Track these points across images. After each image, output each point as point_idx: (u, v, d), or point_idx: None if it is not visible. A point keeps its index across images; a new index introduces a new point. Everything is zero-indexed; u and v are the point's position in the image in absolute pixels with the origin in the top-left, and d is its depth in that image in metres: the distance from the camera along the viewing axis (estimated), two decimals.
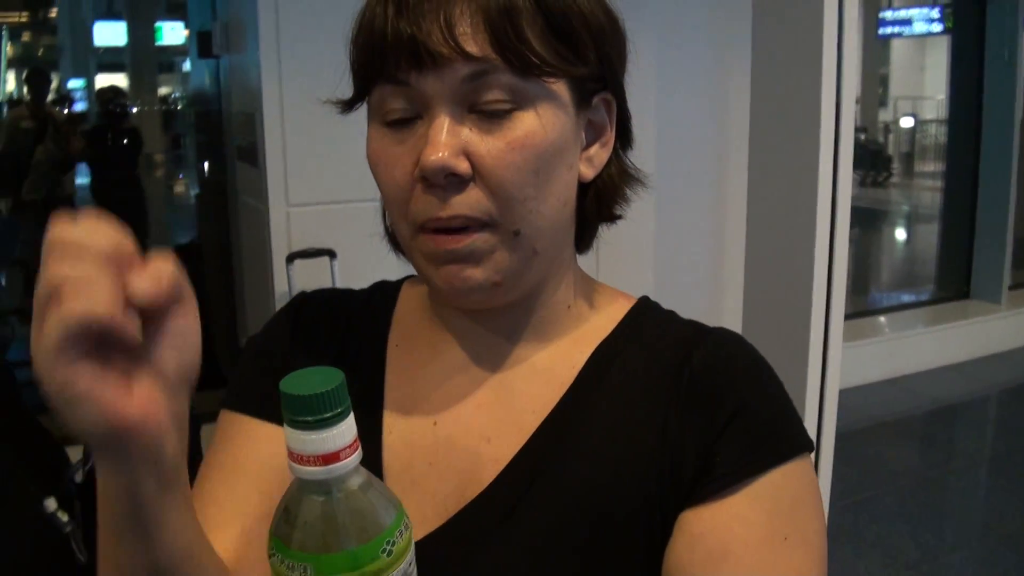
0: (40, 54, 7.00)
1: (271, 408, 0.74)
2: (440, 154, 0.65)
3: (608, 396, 0.74)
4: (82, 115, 5.84)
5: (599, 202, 0.77)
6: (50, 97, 5.43)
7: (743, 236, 3.02)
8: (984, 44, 5.67)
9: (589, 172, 0.74)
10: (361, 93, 0.72)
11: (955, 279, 6.03)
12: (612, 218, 0.79)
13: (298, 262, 3.06)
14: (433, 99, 0.66)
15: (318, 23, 3.07)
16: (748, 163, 2.82)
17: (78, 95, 6.68)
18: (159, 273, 0.49)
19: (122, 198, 5.17)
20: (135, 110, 5.44)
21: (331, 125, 3.41)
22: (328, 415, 0.49)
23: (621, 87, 0.76)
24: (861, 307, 5.98)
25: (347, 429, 0.49)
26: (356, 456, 0.50)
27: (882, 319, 5.72)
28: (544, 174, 0.68)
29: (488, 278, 0.69)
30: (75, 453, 2.81)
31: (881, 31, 13.26)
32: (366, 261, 3.42)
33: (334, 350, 0.82)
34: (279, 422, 0.74)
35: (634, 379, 0.74)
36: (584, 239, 0.80)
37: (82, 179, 5.50)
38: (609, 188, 0.76)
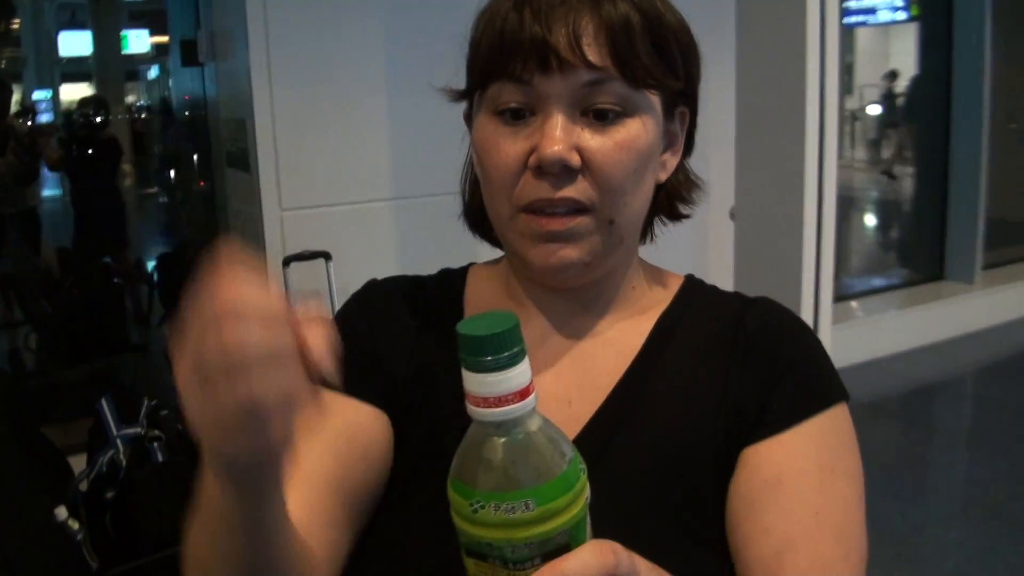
0: (3, 66, 6.93)
1: (348, 383, 0.79)
2: (557, 147, 0.73)
3: (672, 359, 0.85)
4: (51, 125, 5.79)
5: (669, 202, 0.87)
6: (14, 109, 5.38)
7: (729, 225, 3.09)
8: (952, 30, 5.78)
9: (662, 175, 0.84)
10: (480, 85, 0.79)
11: (928, 261, 6.15)
12: (679, 217, 0.89)
13: (293, 265, 3.10)
14: (552, 99, 0.75)
15: (306, 28, 3.12)
16: (735, 154, 2.89)
17: (43, 106, 6.63)
18: (329, 343, 0.52)
19: (102, 208, 5.16)
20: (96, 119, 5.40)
21: (322, 129, 3.46)
22: (518, 349, 0.51)
23: (696, 101, 0.85)
24: (837, 291, 6.08)
25: (528, 364, 0.52)
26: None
27: (855, 303, 5.82)
28: (639, 173, 0.78)
29: (581, 258, 0.78)
30: (76, 463, 2.84)
31: (846, 20, 13.42)
32: (360, 262, 3.48)
33: (412, 331, 0.89)
34: (355, 395, 0.81)
35: (694, 344, 0.85)
36: (645, 232, 0.90)
37: (49, 191, 5.48)
38: (677, 190, 0.87)
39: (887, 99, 12.31)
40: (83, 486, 2.73)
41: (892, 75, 11.99)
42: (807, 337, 0.86)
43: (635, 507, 0.78)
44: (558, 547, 0.51)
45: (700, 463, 0.79)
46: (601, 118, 0.76)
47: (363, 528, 0.82)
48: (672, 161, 0.85)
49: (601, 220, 0.78)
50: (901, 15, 12.17)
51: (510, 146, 0.77)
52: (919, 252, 6.35)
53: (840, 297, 5.80)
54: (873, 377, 4.97)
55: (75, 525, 2.36)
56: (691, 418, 0.81)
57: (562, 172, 0.75)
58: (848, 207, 9.45)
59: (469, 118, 0.85)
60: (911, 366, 5.16)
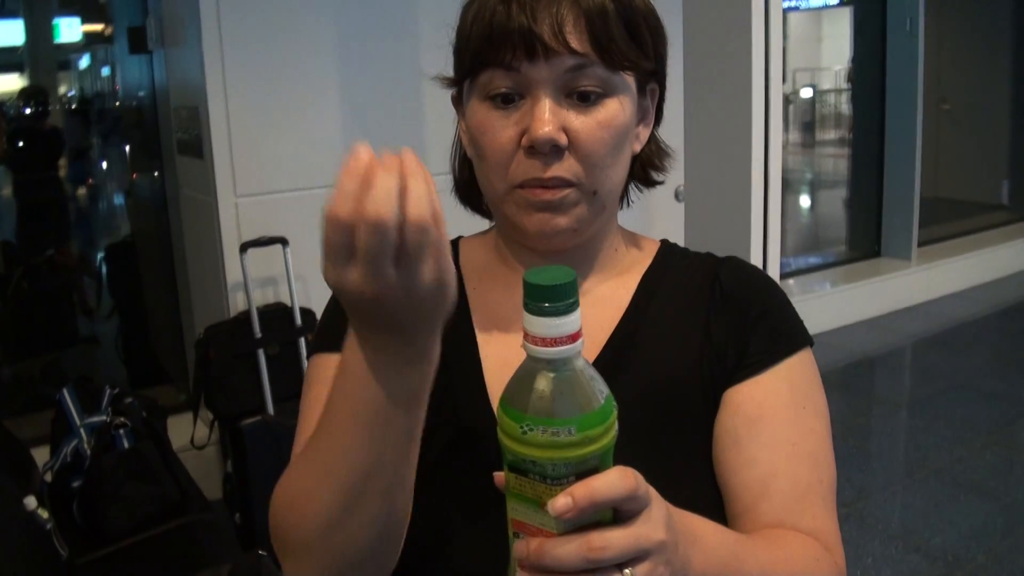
0: None
1: None
2: (547, 128, 0.81)
3: (658, 312, 0.94)
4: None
5: (644, 170, 0.96)
6: None
7: (676, 205, 3.17)
8: (885, 15, 5.93)
9: (637, 147, 0.92)
10: (471, 73, 0.85)
11: (866, 239, 6.33)
12: (653, 183, 0.98)
13: (250, 251, 3.11)
14: (539, 84, 0.82)
15: (259, 14, 3.12)
16: (684, 137, 2.96)
17: None
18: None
19: (45, 199, 5.08)
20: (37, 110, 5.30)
21: (276, 115, 3.45)
22: (574, 300, 0.59)
23: (664, 78, 0.93)
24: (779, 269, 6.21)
25: (579, 311, 0.60)
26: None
27: (791, 281, 5.96)
28: (618, 148, 0.86)
29: (570, 225, 0.86)
30: (38, 456, 2.82)
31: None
32: (317, 247, 3.49)
33: None
34: None
35: (675, 298, 0.95)
36: (624, 198, 0.99)
37: None
38: (651, 159, 0.96)
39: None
40: (48, 476, 2.72)
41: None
42: (774, 289, 0.97)
43: (631, 448, 0.84)
44: (590, 468, 0.59)
45: (689, 405, 0.89)
46: (584, 100, 0.83)
47: None
48: (645, 133, 0.93)
49: (586, 192, 0.85)
50: (833, 0, 12.41)
51: (503, 129, 0.84)
52: (857, 230, 6.52)
53: (783, 275, 5.94)
54: (815, 351, 5.10)
55: (44, 515, 2.36)
56: (678, 364, 0.90)
57: (551, 151, 0.82)
58: (785, 188, 9.64)
59: (458, 102, 0.92)
60: (851, 340, 5.32)
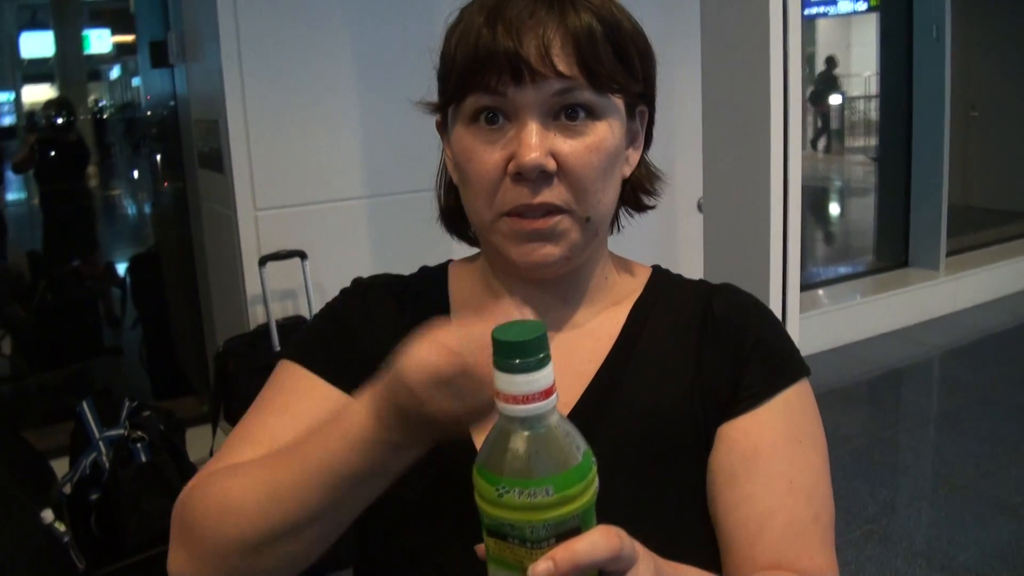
0: None
1: (333, 369, 0.87)
2: (534, 154, 0.78)
3: (648, 345, 0.91)
4: (11, 128, 5.73)
5: (634, 195, 0.93)
6: None
7: (698, 216, 3.15)
8: (912, 22, 5.87)
9: (627, 170, 0.90)
10: (455, 98, 0.83)
11: (893, 249, 6.24)
12: (644, 208, 0.95)
13: (269, 264, 3.12)
14: (525, 108, 0.79)
15: (277, 28, 3.13)
16: (703, 147, 2.94)
17: (4, 108, 6.56)
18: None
19: (71, 211, 5.13)
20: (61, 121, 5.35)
21: (294, 129, 3.47)
22: (545, 354, 0.58)
23: (654, 100, 0.91)
24: (804, 280, 6.16)
25: (552, 367, 0.59)
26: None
27: (822, 292, 5.91)
28: (608, 172, 0.84)
29: (562, 254, 0.83)
30: (58, 466, 2.85)
31: (807, 12, 13.56)
32: (336, 260, 3.50)
33: (403, 327, 0.92)
34: (336, 384, 0.87)
35: (667, 328, 0.91)
36: (614, 224, 0.95)
37: (14, 194, 5.43)
38: (641, 183, 0.93)
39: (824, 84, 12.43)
40: (67, 489, 2.74)
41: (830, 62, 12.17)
42: (769, 318, 0.93)
43: (621, 484, 0.82)
44: (571, 529, 0.57)
45: (680, 439, 0.86)
46: (572, 123, 0.81)
47: None
48: (635, 156, 0.90)
49: (578, 219, 0.83)
50: (861, 5, 12.32)
51: (489, 155, 0.81)
52: (884, 240, 6.44)
53: (807, 286, 5.88)
54: (841, 363, 5.05)
55: (61, 527, 2.37)
56: (669, 399, 0.87)
57: (539, 177, 0.79)
58: (814, 196, 9.60)
59: (443, 127, 0.89)
60: (878, 352, 5.25)
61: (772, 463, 0.84)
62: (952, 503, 3.44)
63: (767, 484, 0.83)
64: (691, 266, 3.00)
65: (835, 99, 13.41)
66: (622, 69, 0.82)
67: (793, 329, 2.88)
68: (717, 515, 0.84)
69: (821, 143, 12.71)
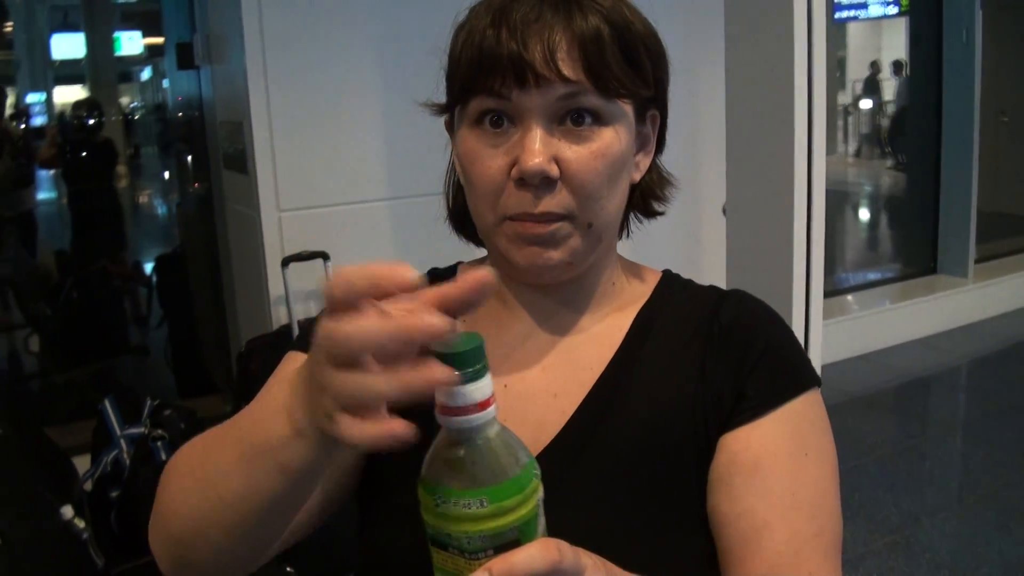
0: None
1: None
2: (537, 160, 0.77)
3: (652, 351, 0.89)
4: (42, 129, 5.79)
5: (644, 200, 0.92)
6: (7, 112, 5.39)
7: (722, 221, 3.12)
8: (941, 26, 5.81)
9: (636, 176, 0.88)
10: (460, 101, 0.82)
11: (922, 255, 6.18)
12: (654, 214, 0.93)
13: (292, 265, 3.13)
14: (530, 112, 0.78)
15: (301, 30, 3.15)
16: (726, 151, 2.92)
17: (36, 109, 6.64)
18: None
19: (99, 210, 5.18)
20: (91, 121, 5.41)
21: (317, 131, 3.48)
22: (481, 366, 0.57)
23: (666, 104, 0.89)
24: (830, 286, 6.09)
25: (490, 379, 0.58)
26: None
27: (851, 297, 5.86)
28: (614, 178, 0.82)
29: (563, 259, 0.82)
30: (80, 464, 2.87)
31: (837, 15, 13.44)
32: (358, 261, 3.52)
33: None
34: None
35: (672, 335, 0.90)
36: (623, 229, 0.94)
37: (44, 194, 5.49)
38: (651, 189, 0.91)
39: (870, 90, 12.31)
40: (87, 486, 2.77)
41: (874, 65, 12.06)
42: (778, 327, 0.90)
43: (620, 493, 0.82)
44: (509, 541, 0.57)
45: (681, 449, 0.84)
46: (577, 129, 0.79)
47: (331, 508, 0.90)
48: (645, 161, 0.89)
49: (580, 224, 0.81)
50: (892, 9, 12.21)
51: (492, 159, 0.80)
52: (912, 246, 6.38)
53: (835, 291, 5.84)
54: (868, 371, 5.01)
55: (81, 524, 2.39)
56: (671, 407, 0.85)
57: (542, 183, 0.78)
58: (843, 201, 9.51)
59: (451, 127, 0.88)
60: (905, 359, 5.20)
61: (774, 475, 0.81)
62: (977, 514, 3.40)
63: (767, 497, 0.80)
64: (715, 271, 2.97)
65: (865, 103, 13.29)
66: (631, 73, 0.80)
67: (816, 336, 2.84)
68: (716, 526, 0.82)
69: (866, 149, 12.57)
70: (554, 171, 0.78)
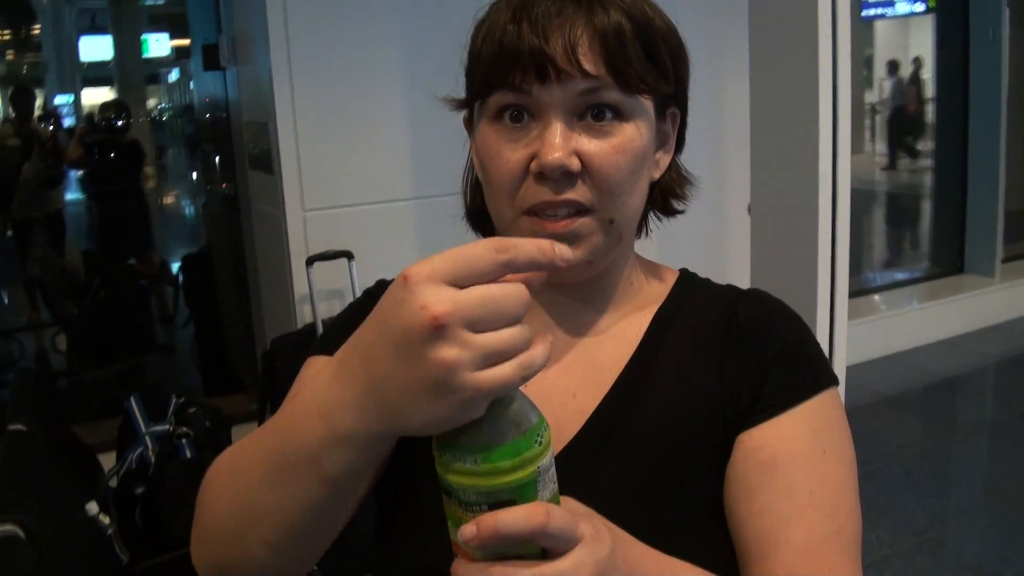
0: (25, 72, 6.98)
1: None
2: (557, 154, 0.77)
3: (670, 351, 0.89)
4: (71, 130, 5.85)
5: (664, 199, 0.91)
6: (36, 114, 5.46)
7: (744, 220, 3.11)
8: (968, 23, 5.76)
9: (656, 174, 0.88)
10: (480, 95, 0.82)
11: (948, 254, 6.13)
12: (673, 212, 0.93)
13: (316, 264, 3.15)
14: (550, 107, 0.78)
15: (325, 31, 3.17)
16: (750, 149, 2.91)
17: (64, 111, 6.71)
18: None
19: (126, 211, 5.23)
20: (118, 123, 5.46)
21: (342, 131, 3.50)
22: None
23: (686, 102, 0.89)
24: (856, 286, 6.04)
25: None
26: None
27: (877, 297, 5.82)
28: (635, 174, 0.82)
29: (584, 257, 0.82)
30: (105, 460, 2.90)
31: (864, 13, 13.35)
32: (382, 261, 3.53)
33: None
34: None
35: (690, 335, 0.89)
36: (642, 228, 0.94)
37: (72, 194, 5.55)
38: (671, 187, 0.91)
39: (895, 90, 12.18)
40: (113, 482, 2.79)
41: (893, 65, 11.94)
42: (796, 325, 0.89)
43: (639, 493, 0.82)
44: (504, 501, 0.59)
45: (699, 448, 0.84)
46: (598, 124, 0.79)
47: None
48: (665, 159, 0.89)
49: (601, 220, 0.81)
50: (919, 7, 12.10)
51: (511, 153, 0.80)
52: (939, 245, 6.33)
53: (862, 291, 5.80)
54: (894, 371, 4.97)
55: (106, 520, 2.41)
56: (689, 406, 0.85)
57: (562, 177, 0.78)
58: (870, 200, 9.44)
59: (470, 124, 0.88)
60: (931, 359, 5.15)
61: (791, 474, 0.80)
62: (1003, 516, 3.37)
63: (784, 495, 0.79)
64: (740, 270, 2.96)
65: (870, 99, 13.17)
66: (652, 69, 0.80)
67: (841, 336, 2.82)
68: (734, 526, 0.82)
69: (882, 147, 12.45)
70: (575, 165, 0.78)
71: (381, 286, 0.98)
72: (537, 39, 0.76)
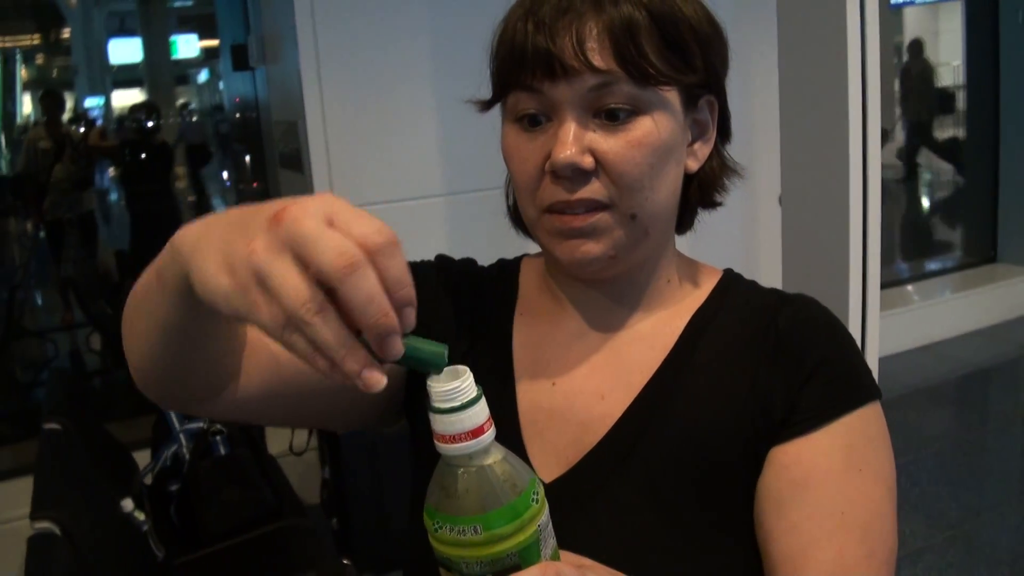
0: (55, 75, 7.04)
1: None
2: (568, 152, 0.77)
3: (705, 357, 0.86)
4: (102, 130, 5.90)
5: (701, 191, 0.89)
6: (66, 116, 5.51)
7: (776, 212, 3.09)
8: (998, 8, 5.69)
9: (693, 165, 0.86)
10: (499, 96, 0.83)
11: (981, 244, 6.06)
12: (713, 205, 0.91)
13: None
14: (562, 104, 0.78)
15: (354, 30, 3.17)
16: (780, 141, 2.89)
17: (95, 113, 6.77)
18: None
19: (157, 211, 5.27)
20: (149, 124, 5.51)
21: (372, 128, 3.51)
22: (471, 397, 0.58)
23: (723, 89, 0.86)
24: (889, 276, 5.99)
25: (483, 408, 0.59)
26: (493, 429, 0.60)
27: (910, 287, 5.76)
28: (657, 168, 0.80)
29: (604, 252, 0.81)
30: (140, 458, 2.94)
31: (893, 1, 13.21)
32: (414, 257, 3.52)
33: (468, 317, 0.94)
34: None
35: (726, 341, 0.86)
36: (684, 222, 0.91)
37: (103, 195, 5.60)
38: (710, 178, 0.88)
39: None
40: (148, 479, 2.83)
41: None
42: (839, 336, 0.86)
43: (664, 501, 0.81)
44: (509, 567, 0.58)
45: (728, 460, 0.81)
46: (612, 119, 0.78)
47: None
48: (704, 150, 0.87)
49: (622, 215, 0.80)
50: None
51: (528, 152, 0.80)
52: (971, 234, 6.25)
53: (894, 282, 5.74)
54: (927, 362, 4.92)
55: (141, 516, 2.44)
56: (720, 416, 0.82)
57: (575, 175, 0.78)
58: (900, 190, 9.33)
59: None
60: (965, 350, 5.10)
61: (823, 492, 0.78)
62: None
63: (815, 515, 0.77)
64: (772, 262, 2.94)
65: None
66: (673, 59, 0.78)
67: (873, 328, 2.80)
68: (763, 543, 0.80)
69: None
70: (587, 163, 0.77)
71: (442, 260, 1.00)
72: (544, 37, 0.76)
